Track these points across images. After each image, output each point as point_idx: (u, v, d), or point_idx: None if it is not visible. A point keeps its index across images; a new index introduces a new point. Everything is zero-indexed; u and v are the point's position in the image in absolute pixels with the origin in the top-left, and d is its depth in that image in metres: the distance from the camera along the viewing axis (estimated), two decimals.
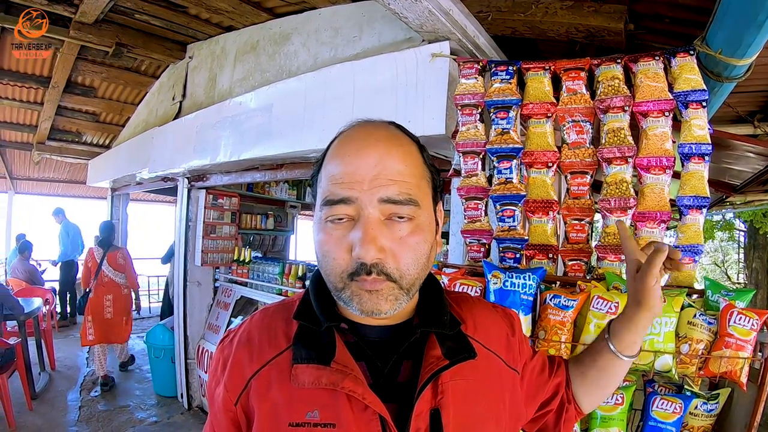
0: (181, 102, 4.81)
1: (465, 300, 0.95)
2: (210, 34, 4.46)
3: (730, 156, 2.80)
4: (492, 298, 1.67)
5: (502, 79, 1.93)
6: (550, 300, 1.64)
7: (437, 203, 0.80)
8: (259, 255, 5.53)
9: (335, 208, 0.70)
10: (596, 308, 1.57)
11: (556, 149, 1.86)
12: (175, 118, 4.73)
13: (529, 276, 1.66)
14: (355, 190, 0.69)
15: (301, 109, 2.91)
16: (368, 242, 0.67)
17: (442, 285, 0.93)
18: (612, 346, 0.99)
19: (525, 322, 1.64)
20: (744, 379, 1.45)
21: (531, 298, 1.66)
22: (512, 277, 1.67)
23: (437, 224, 0.79)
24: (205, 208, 4.67)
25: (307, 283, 3.86)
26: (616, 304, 1.54)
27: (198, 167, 4.13)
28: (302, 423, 0.71)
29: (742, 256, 10.35)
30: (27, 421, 4.15)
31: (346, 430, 0.70)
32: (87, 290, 5.10)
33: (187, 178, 4.63)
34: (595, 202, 1.83)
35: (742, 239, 10.08)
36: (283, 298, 4.07)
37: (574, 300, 1.61)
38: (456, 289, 1.73)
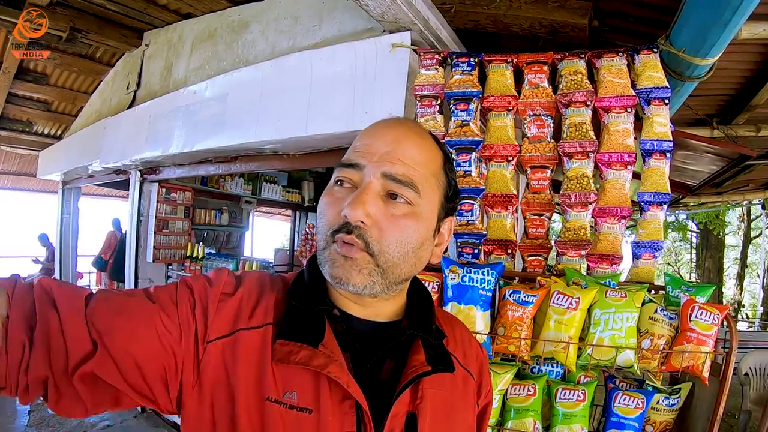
0: (135, 91, 4.62)
1: (448, 317, 0.96)
2: (168, 21, 4.29)
3: (688, 156, 2.85)
4: (449, 293, 1.62)
5: (463, 71, 1.89)
6: (510, 296, 1.60)
7: (447, 216, 0.82)
8: (213, 251, 5.43)
9: (343, 171, 0.74)
10: (556, 304, 1.54)
11: (516, 143, 1.83)
12: (128, 108, 4.53)
13: (487, 271, 1.62)
14: (365, 159, 0.73)
15: (256, 98, 2.81)
16: (357, 203, 0.68)
17: None
18: None
19: (483, 318, 1.60)
20: (706, 374, 1.46)
21: (490, 294, 1.61)
22: (470, 273, 1.62)
23: (438, 231, 0.80)
24: (157, 202, 4.53)
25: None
26: (577, 300, 1.52)
27: (150, 159, 3.97)
28: (278, 401, 0.68)
29: (694, 256, 10.74)
30: None
31: (322, 418, 0.67)
32: (105, 257, 7.25)
33: (140, 170, 4.46)
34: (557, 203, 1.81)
35: (694, 240, 10.47)
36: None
37: (534, 296, 1.57)
38: None
